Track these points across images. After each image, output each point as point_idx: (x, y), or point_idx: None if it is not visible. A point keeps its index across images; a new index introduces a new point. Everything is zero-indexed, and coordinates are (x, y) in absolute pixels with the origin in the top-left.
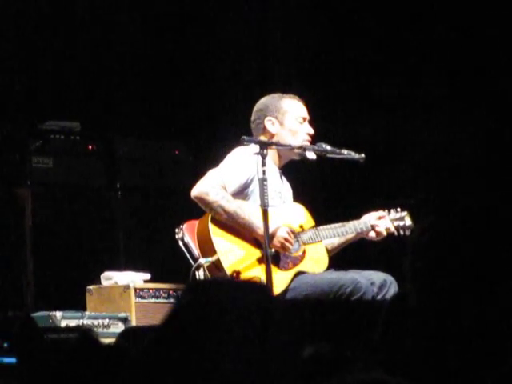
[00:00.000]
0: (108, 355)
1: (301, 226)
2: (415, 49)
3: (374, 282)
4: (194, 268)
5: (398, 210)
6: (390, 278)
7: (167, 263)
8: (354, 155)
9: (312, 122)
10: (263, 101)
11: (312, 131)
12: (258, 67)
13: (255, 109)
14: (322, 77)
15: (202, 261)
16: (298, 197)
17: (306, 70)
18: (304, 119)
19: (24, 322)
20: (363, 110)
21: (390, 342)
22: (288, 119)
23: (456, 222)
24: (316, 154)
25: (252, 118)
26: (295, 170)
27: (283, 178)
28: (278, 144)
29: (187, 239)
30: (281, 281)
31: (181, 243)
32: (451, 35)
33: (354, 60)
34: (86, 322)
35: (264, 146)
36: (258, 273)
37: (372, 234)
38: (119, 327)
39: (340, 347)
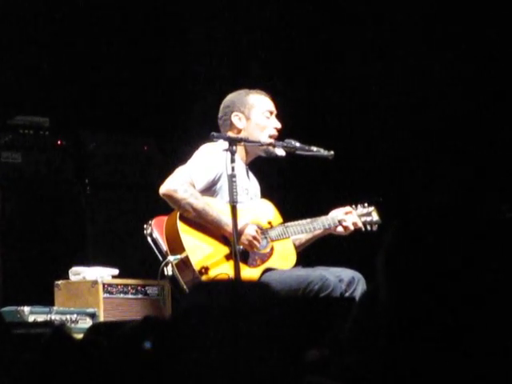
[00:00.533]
0: (82, 350)
1: (269, 223)
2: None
3: (343, 278)
4: (162, 265)
5: (365, 205)
6: (358, 275)
7: (135, 259)
8: (323, 152)
9: (279, 117)
10: (230, 97)
11: (279, 125)
12: (228, 64)
13: (222, 105)
14: (294, 76)
15: (170, 258)
16: (266, 193)
17: (276, 68)
18: (271, 113)
19: None
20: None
21: (359, 341)
22: (255, 114)
23: (427, 221)
24: (285, 150)
25: (219, 115)
26: (263, 167)
27: (250, 174)
28: (247, 140)
29: (156, 235)
30: (249, 277)
31: (149, 239)
32: None
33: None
34: (53, 317)
35: (233, 142)
36: (226, 269)
37: (340, 230)
38: (87, 322)
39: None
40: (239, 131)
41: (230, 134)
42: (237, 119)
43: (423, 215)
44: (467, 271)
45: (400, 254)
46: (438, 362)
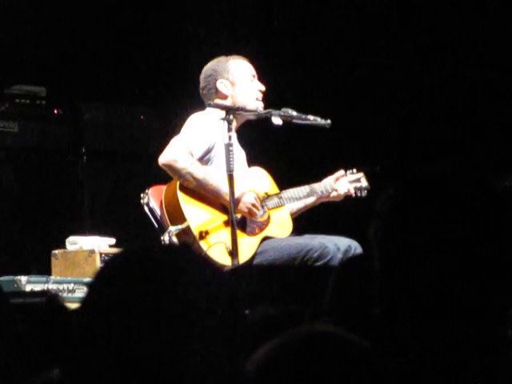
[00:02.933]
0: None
1: (265, 192)
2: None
3: (339, 247)
4: (163, 236)
5: (354, 171)
6: (354, 244)
7: (132, 228)
8: (320, 121)
9: (261, 79)
10: (210, 66)
11: (263, 87)
12: (226, 33)
13: (203, 75)
14: (287, 42)
15: (171, 229)
16: (259, 161)
17: (270, 34)
18: (253, 76)
19: None
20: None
21: (339, 307)
22: (239, 78)
23: (419, 189)
24: (282, 119)
25: (202, 85)
26: (255, 134)
27: (237, 142)
28: (244, 109)
29: (152, 204)
30: (249, 246)
31: (146, 208)
32: None
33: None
34: (51, 286)
35: (230, 111)
36: (225, 236)
37: (333, 195)
38: (84, 292)
39: (289, 309)
40: (225, 97)
41: (218, 101)
42: (222, 86)
43: (418, 184)
44: (463, 240)
45: (394, 223)
46: (431, 331)
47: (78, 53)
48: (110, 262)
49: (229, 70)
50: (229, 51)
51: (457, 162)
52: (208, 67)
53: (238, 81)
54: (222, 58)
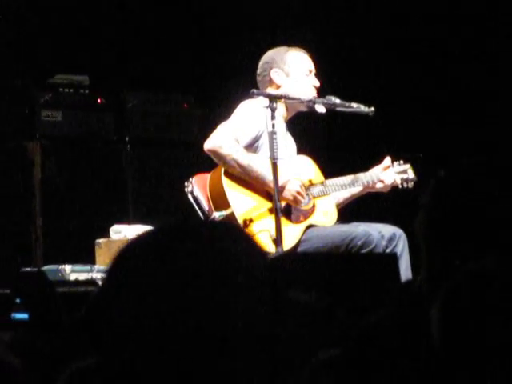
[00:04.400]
0: None
1: (309, 180)
2: None
3: (384, 234)
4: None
5: (401, 162)
6: (399, 231)
7: (176, 216)
8: (364, 108)
9: (318, 75)
10: (269, 53)
11: (318, 83)
12: (269, 20)
13: (261, 62)
14: (333, 31)
15: (215, 214)
16: (306, 150)
17: (317, 23)
18: (310, 71)
19: (36, 277)
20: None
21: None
22: (294, 71)
23: (463, 179)
24: (325, 107)
25: (258, 71)
26: (301, 123)
27: (287, 132)
28: (286, 97)
29: (196, 192)
30: (293, 234)
31: (190, 196)
32: None
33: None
34: (95, 275)
35: (273, 99)
36: (269, 223)
37: (379, 186)
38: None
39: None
40: (278, 87)
41: (269, 90)
42: (276, 75)
43: (460, 173)
44: (506, 229)
45: (441, 216)
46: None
47: (121, 41)
48: (146, 237)
49: (285, 60)
50: (271, 40)
51: (498, 152)
52: (267, 55)
53: (292, 72)
54: (282, 48)
